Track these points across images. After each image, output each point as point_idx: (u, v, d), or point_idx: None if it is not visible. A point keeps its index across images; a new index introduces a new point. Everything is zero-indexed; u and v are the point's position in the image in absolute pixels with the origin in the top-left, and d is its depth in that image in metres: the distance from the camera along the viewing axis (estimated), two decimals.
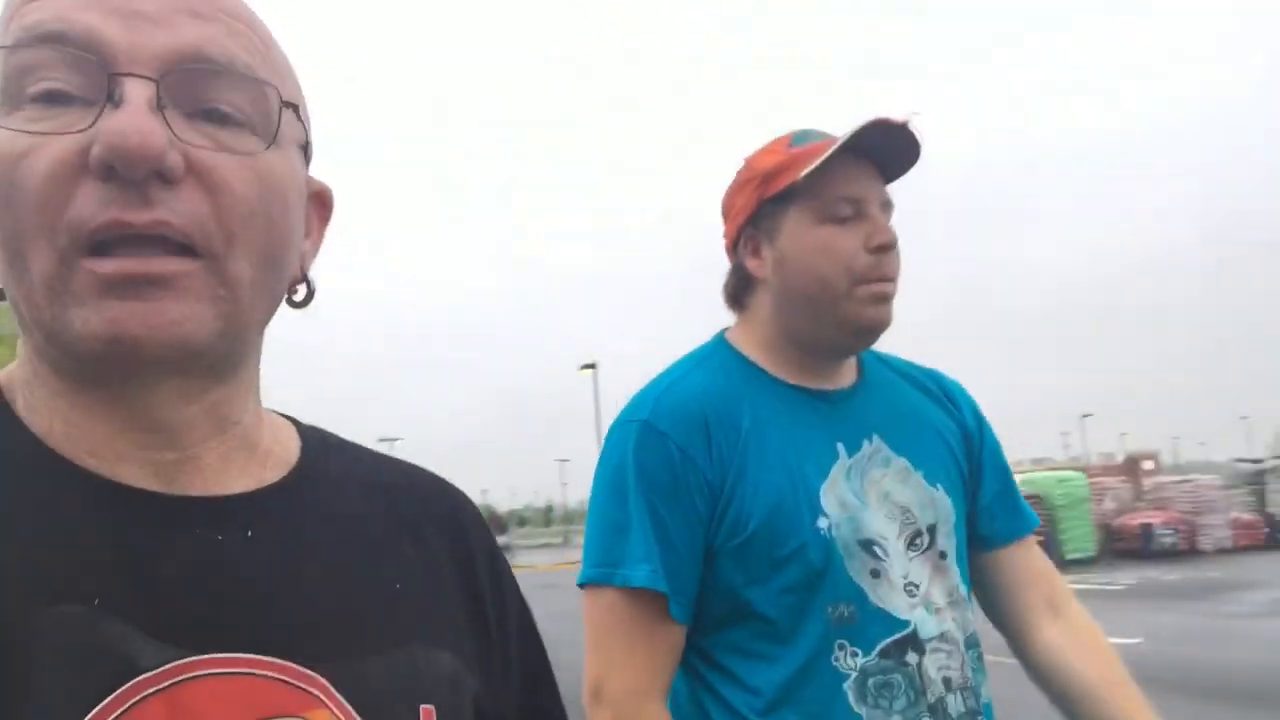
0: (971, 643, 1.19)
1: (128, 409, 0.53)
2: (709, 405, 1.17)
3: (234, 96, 0.53)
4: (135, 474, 0.53)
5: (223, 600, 0.52)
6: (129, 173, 0.48)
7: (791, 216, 1.21)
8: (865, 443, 1.21)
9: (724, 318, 1.35)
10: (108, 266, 0.49)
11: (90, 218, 0.48)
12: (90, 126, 0.49)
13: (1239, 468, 33.35)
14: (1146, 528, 21.35)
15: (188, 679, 0.48)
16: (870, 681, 1.10)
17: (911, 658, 1.12)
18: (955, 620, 1.17)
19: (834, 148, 1.16)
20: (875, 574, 1.13)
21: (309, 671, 0.52)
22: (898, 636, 1.12)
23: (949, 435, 1.30)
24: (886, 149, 1.20)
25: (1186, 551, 21.56)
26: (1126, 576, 15.96)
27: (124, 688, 0.47)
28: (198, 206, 0.50)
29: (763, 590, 1.12)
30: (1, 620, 0.46)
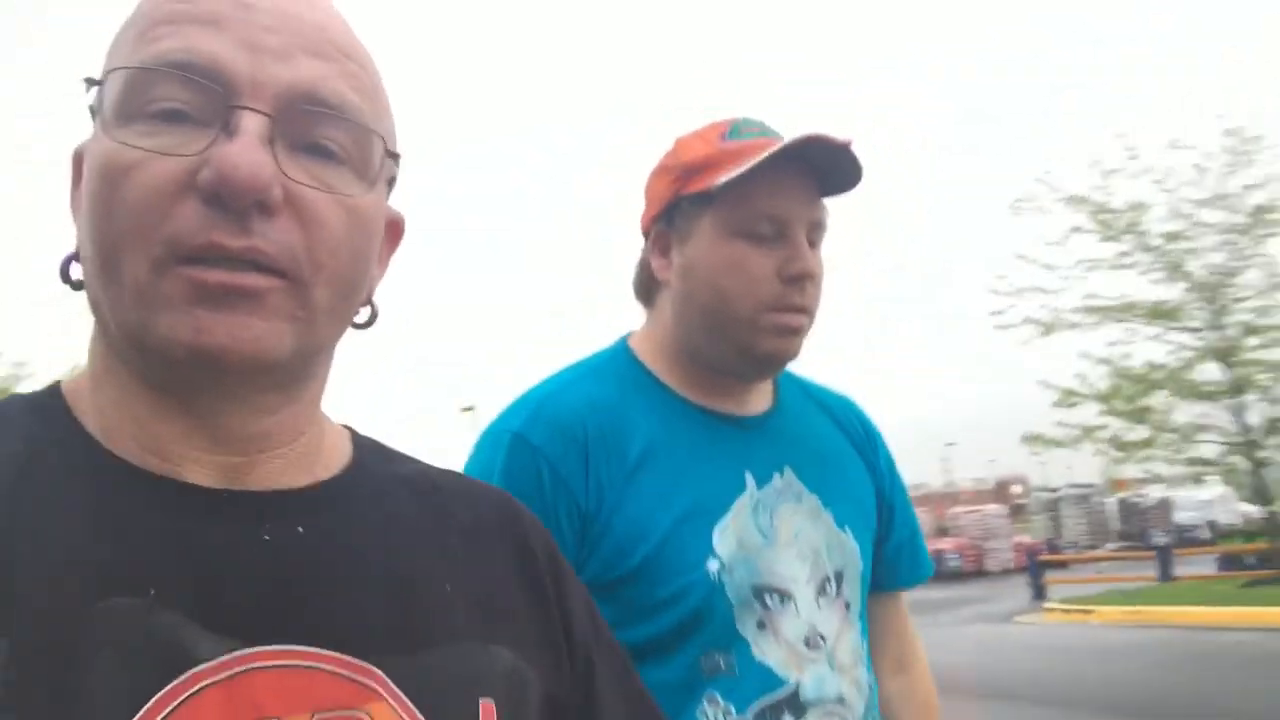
0: (870, 705, 1.13)
1: (199, 419, 0.55)
2: (592, 422, 1.08)
3: (340, 136, 0.56)
4: (197, 472, 0.55)
5: (277, 593, 0.53)
6: (233, 202, 0.50)
7: (706, 222, 1.11)
8: (776, 475, 1.13)
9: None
10: (206, 274, 0.50)
11: (190, 235, 0.50)
12: (203, 151, 0.51)
13: (1040, 496, 37.04)
14: (938, 553, 24.24)
15: (245, 671, 0.49)
16: None
17: None
18: (856, 682, 1.11)
19: (758, 159, 1.06)
20: (761, 625, 1.05)
21: (364, 664, 0.53)
22: (776, 697, 1.04)
23: (861, 478, 1.24)
24: (827, 163, 1.10)
25: (973, 573, 24.35)
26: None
27: (181, 678, 0.48)
28: (291, 236, 0.53)
29: (632, 633, 0.98)
30: (57, 613, 0.47)
